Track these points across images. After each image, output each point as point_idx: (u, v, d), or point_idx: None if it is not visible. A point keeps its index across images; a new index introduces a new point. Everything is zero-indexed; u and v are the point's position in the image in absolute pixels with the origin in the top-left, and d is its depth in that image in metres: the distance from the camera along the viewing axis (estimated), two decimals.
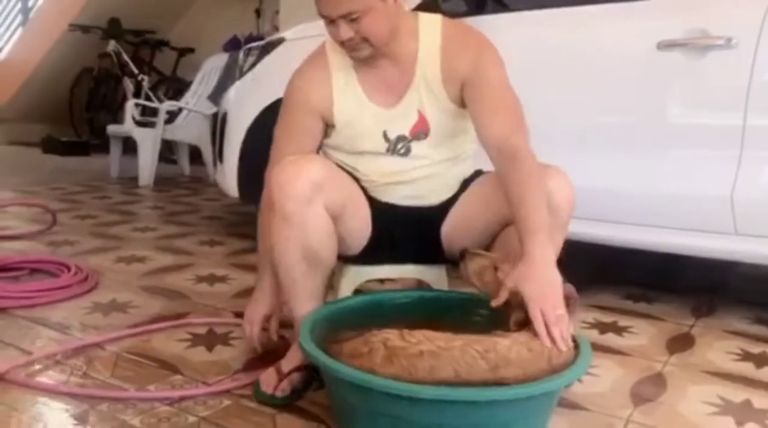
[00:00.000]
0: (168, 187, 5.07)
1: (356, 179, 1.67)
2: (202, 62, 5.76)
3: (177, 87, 6.46)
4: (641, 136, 2.19)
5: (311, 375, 1.58)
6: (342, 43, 1.53)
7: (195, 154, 5.61)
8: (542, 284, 1.33)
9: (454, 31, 1.61)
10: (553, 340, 1.29)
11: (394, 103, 1.62)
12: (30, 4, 8.09)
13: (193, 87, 5.66)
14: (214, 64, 5.56)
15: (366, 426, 1.30)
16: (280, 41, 2.98)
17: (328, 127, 1.65)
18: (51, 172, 5.65)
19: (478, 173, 1.72)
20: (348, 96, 1.62)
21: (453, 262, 1.63)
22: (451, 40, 1.59)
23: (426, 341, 1.26)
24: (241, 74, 3.16)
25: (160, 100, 5.84)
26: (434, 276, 1.78)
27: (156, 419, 1.45)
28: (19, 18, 8.22)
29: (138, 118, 5.46)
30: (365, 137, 1.63)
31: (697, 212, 2.11)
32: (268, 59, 2.98)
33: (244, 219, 3.66)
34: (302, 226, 1.45)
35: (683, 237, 2.15)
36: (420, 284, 1.86)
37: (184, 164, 5.81)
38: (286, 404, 1.52)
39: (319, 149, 1.70)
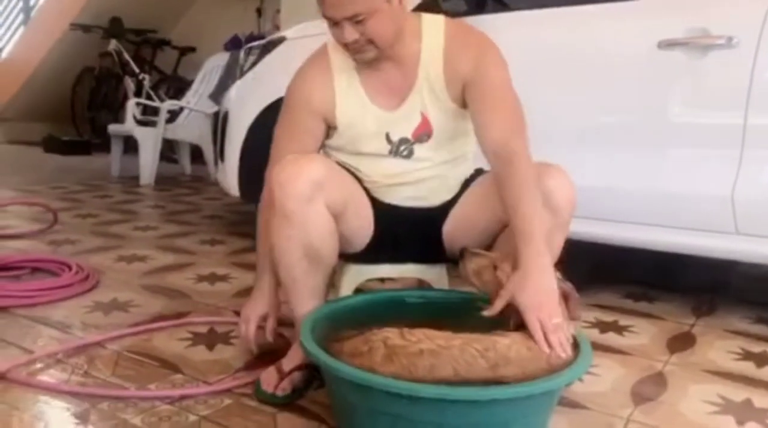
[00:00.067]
0: (169, 186, 5.07)
1: (358, 180, 1.67)
2: (203, 61, 5.76)
3: (178, 86, 6.46)
4: (642, 135, 2.19)
5: (312, 374, 1.58)
6: (346, 46, 1.51)
7: (196, 153, 5.62)
8: (538, 293, 1.32)
9: (457, 31, 1.60)
10: (550, 347, 1.29)
11: (396, 105, 1.61)
12: (31, 3, 8.10)
13: (194, 86, 5.66)
14: (215, 64, 5.56)
15: (366, 425, 1.30)
16: (281, 40, 2.99)
17: (329, 128, 1.65)
18: (52, 171, 5.65)
19: (478, 172, 1.72)
20: (350, 98, 1.61)
21: (454, 261, 1.63)
22: (454, 41, 1.58)
23: (426, 339, 1.26)
24: (242, 73, 3.16)
25: (162, 100, 5.84)
26: (435, 275, 1.78)
27: (157, 418, 1.45)
28: (21, 17, 8.23)
29: (139, 117, 5.46)
30: (367, 139, 1.63)
31: (698, 212, 2.11)
32: (269, 58, 2.98)
33: (245, 218, 3.66)
34: (303, 225, 1.45)
35: (684, 236, 2.15)
36: (421, 284, 1.86)
37: (185, 163, 5.82)
38: (287, 403, 1.52)
39: (321, 149, 1.69)
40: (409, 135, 1.62)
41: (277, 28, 5.55)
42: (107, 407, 1.49)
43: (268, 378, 1.56)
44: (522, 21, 2.40)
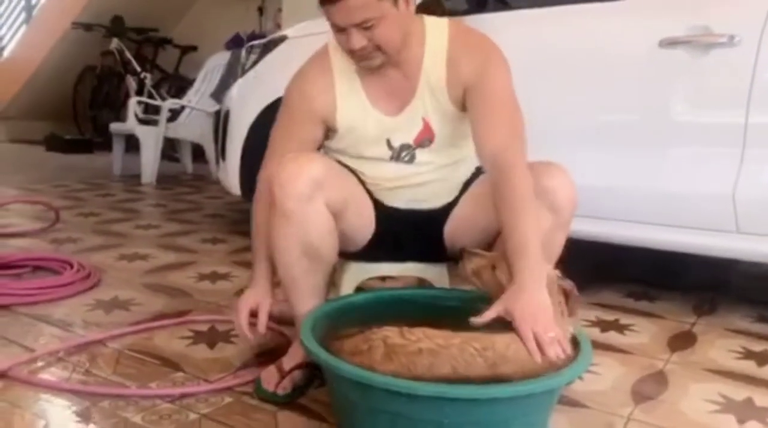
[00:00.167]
0: (170, 185, 5.08)
1: (361, 181, 1.66)
2: (204, 60, 5.76)
3: (179, 85, 6.47)
4: (643, 134, 2.19)
5: (312, 372, 1.58)
6: (352, 52, 1.48)
7: (197, 152, 5.62)
8: (532, 307, 1.31)
9: (460, 35, 1.57)
10: (543, 354, 1.27)
11: (398, 110, 1.59)
12: (33, 2, 8.12)
13: (195, 85, 5.66)
14: (217, 62, 5.57)
15: (367, 423, 1.31)
16: (283, 39, 2.99)
17: (329, 131, 1.63)
18: (54, 169, 5.66)
19: (478, 172, 1.71)
20: (351, 102, 1.59)
21: (455, 260, 1.63)
22: (457, 45, 1.55)
23: (425, 339, 1.27)
24: (244, 72, 3.16)
25: (163, 98, 5.85)
26: (435, 274, 1.78)
27: (157, 416, 1.45)
28: (23, 16, 8.24)
29: (141, 116, 5.47)
30: (368, 144, 1.61)
31: (699, 210, 2.11)
32: (270, 57, 2.98)
33: (246, 217, 3.65)
34: (302, 224, 1.45)
35: (685, 235, 2.15)
36: (421, 282, 1.86)
37: (187, 162, 5.82)
38: (288, 402, 1.52)
39: (321, 150, 1.69)
40: (410, 141, 1.60)
41: (278, 26, 5.55)
42: (108, 405, 1.49)
43: (268, 376, 1.57)
44: (523, 19, 2.40)
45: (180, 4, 7.36)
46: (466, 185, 1.70)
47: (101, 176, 5.38)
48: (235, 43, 5.93)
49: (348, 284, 1.75)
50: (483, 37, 1.59)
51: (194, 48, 6.80)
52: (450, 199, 1.69)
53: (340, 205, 1.52)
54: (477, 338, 1.28)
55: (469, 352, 1.25)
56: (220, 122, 3.27)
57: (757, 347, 1.99)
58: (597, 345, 1.82)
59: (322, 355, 1.30)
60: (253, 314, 1.58)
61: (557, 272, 1.42)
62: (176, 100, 5.63)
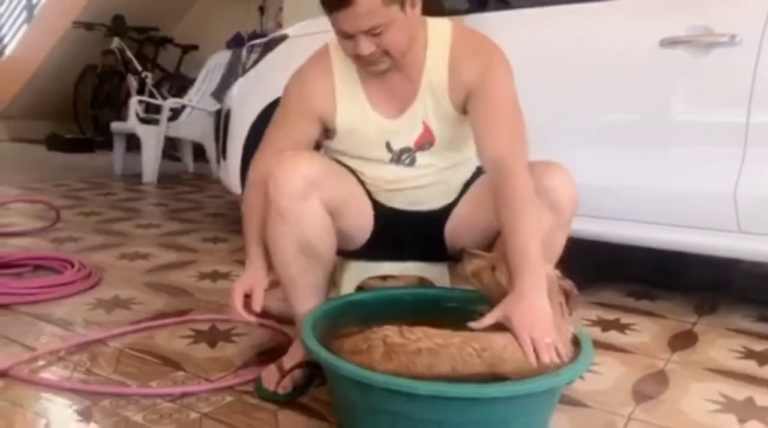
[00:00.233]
0: (171, 184, 5.08)
1: (361, 182, 1.65)
2: (205, 59, 5.77)
3: (180, 84, 6.47)
4: (644, 133, 2.19)
5: (313, 371, 1.58)
6: (358, 58, 1.46)
7: (198, 151, 5.63)
8: (531, 313, 1.30)
9: (463, 38, 1.56)
10: (540, 362, 1.27)
11: (398, 113, 1.58)
12: (34, 1, 8.12)
13: (196, 84, 5.67)
14: (218, 61, 5.57)
15: (367, 422, 1.31)
16: (283, 38, 2.99)
17: (328, 131, 1.62)
18: (55, 169, 5.67)
19: (479, 171, 1.71)
20: (351, 104, 1.57)
21: (456, 259, 1.63)
22: (460, 48, 1.54)
23: (425, 338, 1.27)
24: (245, 71, 3.17)
25: (164, 98, 5.85)
26: (436, 273, 1.78)
27: (158, 415, 1.45)
28: (24, 15, 8.25)
29: (142, 115, 5.47)
30: (368, 146, 1.61)
31: (700, 210, 2.11)
32: (271, 56, 2.98)
33: None
34: (297, 222, 1.44)
35: (686, 235, 2.15)
36: (422, 282, 1.86)
37: (188, 161, 5.83)
38: (288, 401, 1.52)
39: (319, 149, 1.68)
40: (411, 144, 1.59)
41: (279, 25, 5.55)
42: (109, 404, 1.49)
43: (269, 375, 1.57)
44: (524, 19, 2.40)
45: (181, 3, 7.36)
46: (466, 186, 1.70)
47: (102, 175, 5.39)
48: (236, 43, 5.93)
49: (349, 283, 1.75)
50: (486, 40, 1.57)
51: (195, 47, 6.80)
52: (450, 200, 1.68)
53: (337, 203, 1.52)
54: (476, 338, 1.28)
55: (468, 352, 1.25)
56: (221, 121, 3.27)
57: (758, 346, 1.99)
58: (598, 345, 1.82)
59: (323, 354, 1.30)
60: (249, 296, 1.52)
61: (557, 272, 1.42)
62: (177, 100, 5.63)
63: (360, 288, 1.77)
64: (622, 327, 2.13)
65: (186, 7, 7.44)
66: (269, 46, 3.03)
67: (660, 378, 1.75)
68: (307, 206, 1.44)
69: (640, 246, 2.30)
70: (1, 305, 2.11)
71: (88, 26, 6.78)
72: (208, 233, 3.35)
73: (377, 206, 1.66)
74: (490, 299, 1.43)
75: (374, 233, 1.67)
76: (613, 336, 2.05)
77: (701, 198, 2.10)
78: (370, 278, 1.81)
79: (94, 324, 2.00)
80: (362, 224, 1.65)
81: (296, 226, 1.45)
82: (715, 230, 2.09)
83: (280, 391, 1.53)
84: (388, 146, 1.60)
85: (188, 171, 5.75)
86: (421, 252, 1.74)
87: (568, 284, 1.41)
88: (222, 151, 3.24)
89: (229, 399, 1.54)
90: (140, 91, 6.23)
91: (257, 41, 3.26)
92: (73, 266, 2.45)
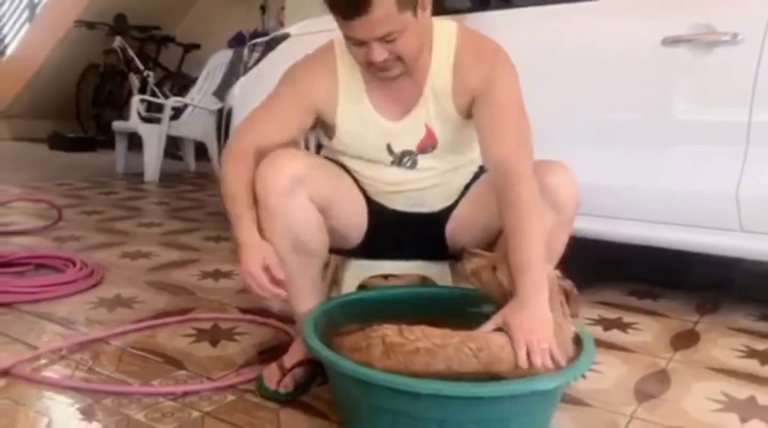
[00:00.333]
0: (173, 183, 5.08)
1: (356, 181, 1.65)
2: (207, 58, 5.77)
3: (182, 83, 6.47)
4: (646, 132, 2.18)
5: (314, 369, 1.58)
6: (370, 64, 1.44)
7: (200, 150, 5.62)
8: (531, 319, 1.30)
9: (469, 42, 1.54)
10: (531, 364, 1.27)
11: (401, 116, 1.56)
12: (36, 0, 8.12)
13: (198, 83, 5.67)
14: (220, 60, 5.57)
15: (369, 421, 1.31)
16: (285, 37, 2.99)
17: (327, 128, 1.61)
18: (57, 168, 5.67)
19: (481, 170, 1.70)
20: (353, 104, 1.56)
21: (458, 258, 1.63)
22: (464, 52, 1.52)
23: (423, 338, 1.27)
24: (246, 70, 3.17)
25: (166, 96, 5.85)
26: (437, 272, 1.78)
27: (160, 414, 1.45)
28: (26, 14, 8.25)
29: (143, 114, 5.47)
30: (368, 148, 1.59)
31: (703, 209, 2.11)
32: (272, 55, 2.98)
33: None
34: (285, 218, 1.44)
35: (688, 234, 2.15)
36: (424, 280, 1.86)
37: (190, 160, 5.83)
38: (290, 400, 1.52)
39: (319, 150, 1.68)
40: (413, 148, 1.58)
41: (281, 24, 5.55)
42: (111, 403, 1.49)
43: (270, 374, 1.57)
44: (525, 18, 2.40)
45: (183, 2, 7.36)
46: (467, 186, 1.69)
47: (104, 174, 5.39)
48: (238, 42, 5.93)
49: (350, 282, 1.75)
50: (491, 44, 1.55)
51: (197, 46, 6.80)
52: (451, 202, 1.68)
53: (326, 200, 1.51)
54: (474, 338, 1.28)
55: (465, 352, 1.26)
56: (223, 120, 3.27)
57: (760, 345, 1.99)
58: (600, 344, 1.82)
59: (325, 353, 1.30)
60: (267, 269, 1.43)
61: (557, 272, 1.42)
62: (179, 99, 5.63)
63: (362, 287, 1.77)
64: (624, 326, 2.13)
65: (188, 6, 7.45)
66: (271, 45, 3.03)
67: (662, 377, 1.75)
68: (293, 203, 1.44)
69: (643, 245, 2.30)
70: (3, 304, 2.11)
71: (90, 25, 6.78)
72: (210, 231, 3.35)
73: (377, 206, 1.66)
74: (490, 298, 1.43)
75: (373, 232, 1.66)
76: (615, 335, 2.05)
77: (703, 197, 2.10)
78: (372, 276, 1.81)
79: (96, 323, 2.00)
80: (355, 222, 1.64)
81: (284, 223, 1.44)
82: (718, 229, 2.09)
83: (282, 390, 1.53)
84: (389, 148, 1.58)
85: (190, 170, 5.75)
86: (422, 251, 1.73)
87: (568, 284, 1.41)
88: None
89: (231, 397, 1.54)
90: (142, 90, 6.23)
91: (259, 40, 3.26)
92: (75, 265, 2.45)
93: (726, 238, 2.08)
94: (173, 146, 5.78)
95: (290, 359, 1.58)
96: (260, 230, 1.46)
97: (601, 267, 2.78)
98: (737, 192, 2.02)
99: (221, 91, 5.07)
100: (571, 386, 1.57)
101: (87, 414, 1.45)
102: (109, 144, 6.08)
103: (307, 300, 1.55)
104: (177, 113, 5.51)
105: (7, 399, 1.50)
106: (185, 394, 1.54)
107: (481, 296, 1.49)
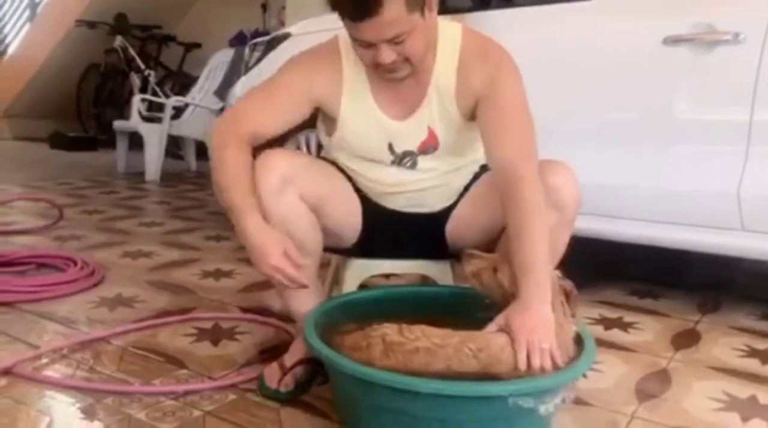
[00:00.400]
0: (174, 182, 5.08)
1: (356, 184, 1.65)
2: (208, 57, 5.77)
3: (183, 82, 6.47)
4: (647, 131, 2.18)
5: (315, 368, 1.58)
6: (377, 66, 1.43)
7: (201, 149, 5.63)
8: (533, 320, 1.30)
9: (473, 44, 1.53)
10: (529, 366, 1.26)
11: (404, 116, 1.56)
12: (37, 0, 8.12)
13: (199, 82, 5.67)
14: (221, 60, 5.57)
15: (370, 420, 1.31)
16: (286, 36, 2.99)
17: (328, 124, 1.61)
18: (58, 167, 5.67)
19: (482, 170, 1.70)
20: (357, 101, 1.55)
21: (458, 257, 1.62)
22: (469, 54, 1.51)
23: (423, 338, 1.27)
24: (247, 69, 3.17)
25: (167, 96, 5.86)
26: (438, 272, 1.78)
27: (161, 413, 1.45)
28: (27, 14, 8.25)
29: (144, 113, 5.47)
30: (370, 146, 1.59)
31: (704, 208, 2.11)
32: (273, 54, 2.98)
33: None
34: (277, 217, 1.44)
35: (689, 233, 2.14)
36: (425, 280, 1.86)
37: (191, 160, 5.83)
38: (291, 399, 1.53)
39: (320, 150, 1.67)
40: (414, 148, 1.58)
41: (282, 24, 5.55)
42: (112, 402, 1.49)
43: (271, 373, 1.57)
44: (526, 17, 2.40)
45: (184, 1, 7.36)
46: (467, 187, 1.69)
47: (105, 173, 5.39)
48: (239, 41, 5.93)
49: (351, 281, 1.75)
50: (495, 46, 1.54)
51: (198, 45, 6.80)
52: (450, 203, 1.68)
53: (318, 199, 1.51)
54: (474, 338, 1.28)
55: (465, 353, 1.26)
56: None
57: (761, 345, 1.99)
58: (601, 343, 1.82)
59: (326, 352, 1.30)
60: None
61: (558, 273, 1.42)
62: (180, 98, 5.63)
63: (363, 286, 1.77)
64: (625, 326, 2.13)
65: (189, 5, 7.45)
66: (272, 45, 3.03)
67: (663, 377, 1.75)
68: (283, 201, 1.44)
69: (644, 245, 2.30)
70: (4, 303, 2.11)
71: (91, 25, 6.78)
72: (211, 231, 3.35)
73: (373, 206, 1.65)
74: (491, 299, 1.43)
75: (370, 231, 1.66)
76: (616, 335, 2.05)
77: (705, 196, 2.10)
78: (373, 276, 1.81)
79: (97, 322, 2.00)
80: (349, 221, 1.64)
81: (277, 222, 1.44)
82: (719, 228, 2.08)
83: (282, 389, 1.53)
84: (390, 147, 1.58)
85: (191, 169, 5.75)
86: (422, 251, 1.73)
87: (569, 284, 1.40)
88: None
89: (232, 397, 1.54)
90: (143, 90, 6.23)
91: (260, 39, 3.26)
92: (76, 264, 2.45)
93: (727, 237, 2.08)
94: (174, 146, 5.78)
95: (291, 358, 1.58)
96: None
97: (602, 267, 2.78)
98: (738, 191, 2.02)
99: (222, 91, 5.07)
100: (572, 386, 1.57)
101: (88, 413, 1.45)
102: (110, 143, 6.08)
103: (304, 300, 1.54)
104: (178, 112, 5.52)
105: (9, 398, 1.51)
106: (186, 393, 1.54)
107: (481, 296, 1.49)
